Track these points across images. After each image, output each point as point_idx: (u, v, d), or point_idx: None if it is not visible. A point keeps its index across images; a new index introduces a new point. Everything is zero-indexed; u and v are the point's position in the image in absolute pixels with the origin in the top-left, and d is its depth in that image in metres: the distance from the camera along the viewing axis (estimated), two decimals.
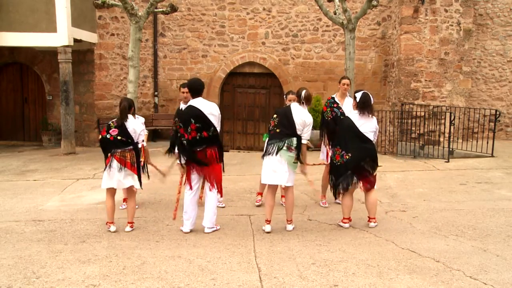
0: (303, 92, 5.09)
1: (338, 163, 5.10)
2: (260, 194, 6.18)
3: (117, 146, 5.02)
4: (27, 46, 11.49)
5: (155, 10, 10.13)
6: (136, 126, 5.15)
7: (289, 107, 5.11)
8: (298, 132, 4.99)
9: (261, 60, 12.50)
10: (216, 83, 12.64)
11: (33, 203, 6.37)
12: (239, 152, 12.35)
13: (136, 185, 5.13)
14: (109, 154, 5.04)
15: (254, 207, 6.09)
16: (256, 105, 12.94)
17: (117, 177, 5.01)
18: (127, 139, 5.04)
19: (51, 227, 5.32)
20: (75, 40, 11.02)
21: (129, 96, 9.57)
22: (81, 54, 12.28)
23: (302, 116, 5.00)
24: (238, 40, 12.52)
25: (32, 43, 10.87)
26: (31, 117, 13.46)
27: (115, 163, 5.00)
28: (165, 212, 5.89)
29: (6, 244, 4.75)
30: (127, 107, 5.12)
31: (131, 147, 5.08)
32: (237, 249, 4.54)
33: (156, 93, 12.73)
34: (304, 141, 5.03)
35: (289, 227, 5.17)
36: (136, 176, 5.12)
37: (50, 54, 12.18)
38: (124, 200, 6.16)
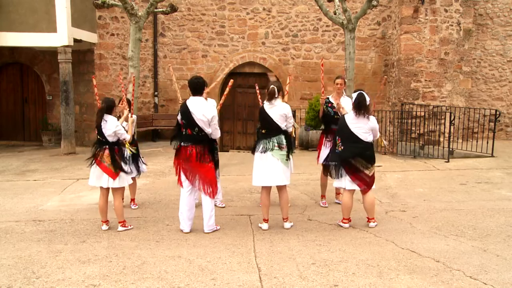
0: (270, 87, 5.10)
1: (336, 151, 5.22)
2: None
3: (99, 146, 5.11)
4: (27, 46, 11.49)
5: (155, 10, 10.12)
6: (111, 126, 5.07)
7: (263, 107, 5.15)
8: (283, 127, 5.07)
9: (261, 60, 12.51)
10: (216, 83, 12.62)
11: (33, 203, 6.37)
12: (239, 152, 12.35)
13: (110, 184, 5.05)
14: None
15: (254, 207, 6.09)
16: (256, 105, 12.86)
17: (95, 176, 5.11)
18: (102, 139, 5.10)
19: (51, 227, 5.32)
20: (75, 40, 11.02)
21: (129, 96, 9.57)
22: (81, 54, 12.28)
23: (278, 111, 5.05)
24: (238, 40, 12.53)
25: (32, 43, 10.86)
26: (31, 117, 13.46)
27: (93, 163, 5.12)
28: (165, 212, 5.89)
29: (6, 244, 4.75)
30: (105, 108, 5.11)
31: (106, 146, 5.09)
32: (237, 249, 4.54)
33: (156, 93, 12.72)
34: (290, 129, 5.19)
35: (287, 225, 5.18)
36: (105, 175, 5.04)
37: (50, 54, 12.17)
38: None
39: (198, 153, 4.92)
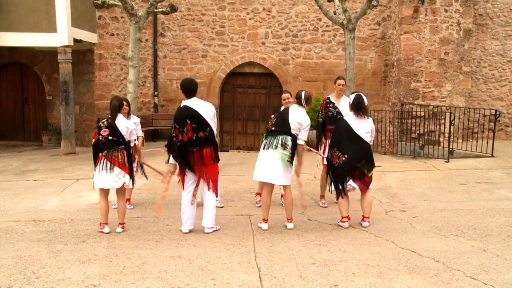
0: (303, 93, 5.16)
1: (336, 165, 5.13)
2: (260, 194, 6.19)
3: (109, 146, 4.97)
4: (27, 46, 11.50)
5: (155, 10, 10.14)
6: (128, 124, 5.13)
7: (288, 109, 5.17)
8: (293, 132, 5.03)
9: (261, 60, 12.51)
10: (216, 83, 12.64)
11: (33, 203, 6.37)
12: (239, 152, 12.35)
13: (128, 182, 5.05)
14: (100, 154, 4.99)
15: (254, 207, 6.10)
16: (256, 105, 12.95)
17: (108, 177, 4.96)
18: (118, 139, 5.00)
19: (51, 227, 5.32)
20: (75, 40, 11.02)
21: (128, 96, 9.59)
22: (81, 54, 12.28)
23: (297, 118, 5.05)
24: (238, 40, 12.53)
25: (32, 43, 10.86)
26: (31, 117, 13.46)
27: (106, 164, 4.95)
28: (165, 212, 5.89)
29: (6, 244, 4.75)
30: (118, 106, 5.08)
31: (122, 146, 5.03)
32: (237, 249, 4.54)
33: (156, 93, 12.73)
34: (300, 142, 5.07)
35: (289, 225, 5.19)
36: (127, 176, 5.05)
37: (50, 54, 12.18)
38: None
39: (212, 154, 4.95)
